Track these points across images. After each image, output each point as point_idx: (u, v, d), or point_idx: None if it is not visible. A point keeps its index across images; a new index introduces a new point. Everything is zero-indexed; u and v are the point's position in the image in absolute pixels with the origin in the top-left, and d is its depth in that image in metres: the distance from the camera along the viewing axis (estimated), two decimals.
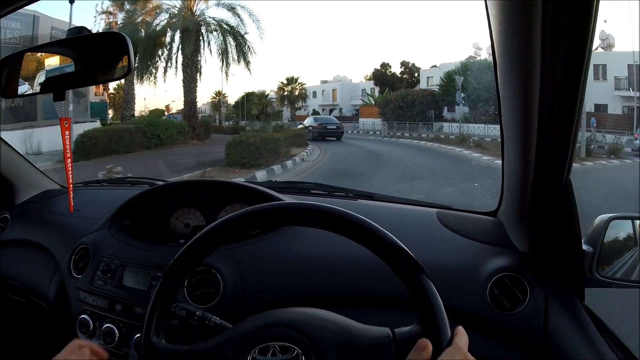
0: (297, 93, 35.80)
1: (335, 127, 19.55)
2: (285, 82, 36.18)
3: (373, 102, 28.98)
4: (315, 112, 32.56)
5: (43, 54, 1.13)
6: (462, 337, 0.69)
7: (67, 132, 1.30)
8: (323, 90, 37.33)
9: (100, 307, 1.18)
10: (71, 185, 1.42)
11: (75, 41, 0.98)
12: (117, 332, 1.13)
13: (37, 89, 1.09)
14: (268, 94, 35.58)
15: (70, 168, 1.36)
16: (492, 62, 0.85)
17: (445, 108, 24.25)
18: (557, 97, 0.75)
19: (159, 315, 0.78)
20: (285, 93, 35.86)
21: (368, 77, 35.15)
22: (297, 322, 0.75)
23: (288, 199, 1.29)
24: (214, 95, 39.92)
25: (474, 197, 6.58)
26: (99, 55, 0.95)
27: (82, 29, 0.97)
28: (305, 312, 0.79)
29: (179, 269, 0.79)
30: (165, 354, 0.76)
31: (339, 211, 0.77)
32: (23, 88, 1.12)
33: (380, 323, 0.77)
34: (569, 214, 0.92)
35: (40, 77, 1.09)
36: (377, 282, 0.99)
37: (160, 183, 1.44)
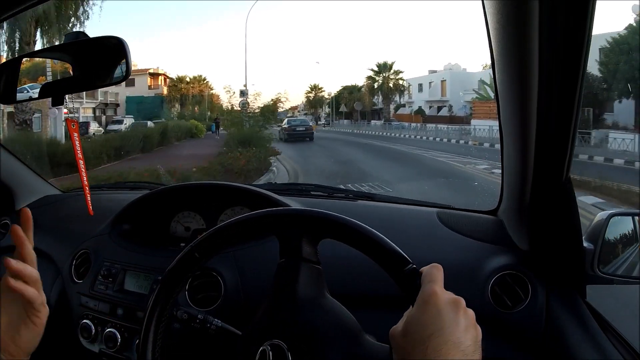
0: (391, 84, 27.49)
1: (304, 129, 19.87)
2: (376, 69, 27.89)
3: (492, 96, 17.36)
4: (420, 110, 25.66)
5: (41, 59, 1.12)
6: (430, 273, 0.65)
7: (75, 134, 1.28)
8: (430, 82, 27.93)
9: (101, 312, 1.18)
10: (87, 188, 1.40)
11: (73, 46, 0.97)
12: (119, 336, 1.13)
13: (36, 94, 1.08)
14: (361, 87, 28.97)
15: (83, 170, 1.34)
16: (490, 60, 0.85)
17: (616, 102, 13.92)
18: (556, 94, 0.75)
19: (154, 334, 0.78)
20: (377, 84, 27.84)
21: (486, 65, 23.54)
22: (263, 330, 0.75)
23: (288, 201, 1.29)
24: (309, 90, 34.38)
25: None
26: (96, 60, 0.95)
27: (79, 33, 0.96)
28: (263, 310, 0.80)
29: (172, 280, 0.79)
30: None
31: (332, 216, 0.77)
32: (21, 94, 1.12)
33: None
34: (569, 211, 0.92)
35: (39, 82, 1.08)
36: (379, 283, 0.98)
37: (160, 187, 1.43)
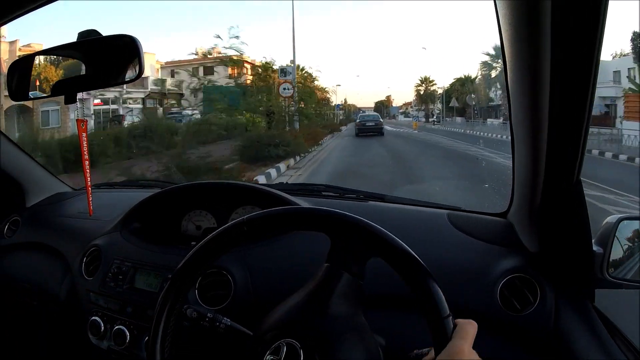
0: None
1: (373, 124, 20.08)
2: (492, 53, 22.55)
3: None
4: None
5: (53, 57, 1.12)
6: (465, 329, 0.65)
7: (84, 134, 1.29)
8: None
9: (111, 309, 1.17)
10: (90, 188, 1.39)
11: (85, 44, 0.97)
12: (128, 333, 1.12)
13: (48, 92, 1.08)
14: (475, 78, 24.45)
15: (87, 170, 1.35)
16: (502, 61, 0.84)
17: None
18: (567, 95, 0.73)
19: (162, 337, 0.76)
20: (494, 73, 22.53)
21: (619, 54, 18.48)
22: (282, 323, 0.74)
23: (299, 201, 1.28)
24: (419, 82, 31.00)
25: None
26: (109, 58, 0.94)
27: (91, 31, 0.96)
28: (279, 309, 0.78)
29: (181, 279, 0.78)
30: None
31: (344, 215, 0.76)
32: (34, 91, 1.12)
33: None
34: (580, 214, 0.90)
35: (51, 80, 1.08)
36: (388, 283, 0.97)
37: (172, 185, 1.43)
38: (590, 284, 0.99)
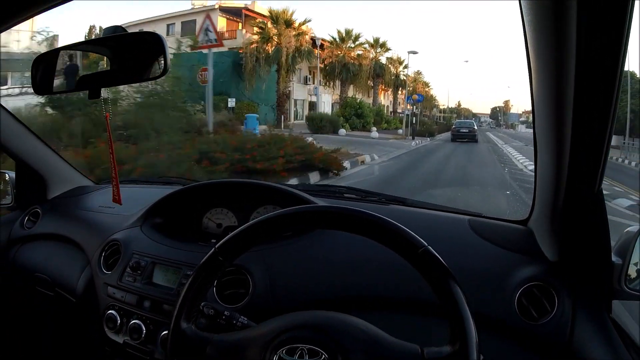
0: None
1: (467, 130, 20.85)
2: None
3: None
4: None
5: (78, 52, 1.11)
6: None
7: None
8: None
9: (128, 303, 1.15)
10: (117, 179, 1.39)
11: (111, 40, 0.95)
12: (144, 328, 1.10)
13: (72, 86, 1.08)
14: None
15: (114, 161, 1.35)
16: (527, 68, 0.82)
17: None
18: (592, 102, 0.71)
19: (191, 301, 0.75)
20: None
21: None
22: (326, 326, 0.73)
23: (321, 202, 1.25)
24: None
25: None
26: (134, 54, 0.93)
27: (117, 27, 0.95)
28: (335, 316, 0.76)
29: (221, 257, 0.76)
30: (194, 340, 0.74)
31: (368, 214, 0.74)
32: (58, 85, 1.11)
33: (407, 328, 0.75)
34: (600, 223, 0.87)
35: (76, 75, 1.08)
36: (407, 286, 0.96)
37: (194, 183, 1.42)
38: (608, 294, 0.96)
